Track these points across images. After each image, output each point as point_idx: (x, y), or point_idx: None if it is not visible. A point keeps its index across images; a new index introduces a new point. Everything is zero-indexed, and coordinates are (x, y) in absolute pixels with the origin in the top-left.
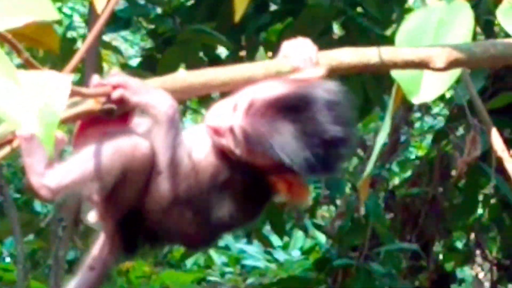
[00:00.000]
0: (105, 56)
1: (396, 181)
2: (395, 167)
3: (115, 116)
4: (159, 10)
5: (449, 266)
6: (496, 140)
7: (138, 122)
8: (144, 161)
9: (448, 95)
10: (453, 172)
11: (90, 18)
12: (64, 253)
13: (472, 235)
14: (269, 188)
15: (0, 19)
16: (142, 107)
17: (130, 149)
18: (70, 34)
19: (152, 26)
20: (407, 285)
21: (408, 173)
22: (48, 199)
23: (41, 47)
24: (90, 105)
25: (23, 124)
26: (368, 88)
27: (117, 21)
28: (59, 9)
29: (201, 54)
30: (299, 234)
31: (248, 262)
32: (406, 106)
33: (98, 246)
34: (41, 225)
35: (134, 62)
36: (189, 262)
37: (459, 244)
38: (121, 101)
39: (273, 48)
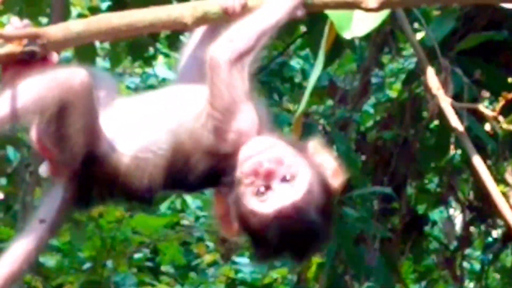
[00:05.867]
0: (76, 0)
1: (370, 123)
2: (370, 109)
3: (38, 58)
4: None
5: (422, 209)
6: (432, 78)
7: None
8: (83, 89)
9: (418, 37)
10: (425, 114)
11: None
12: (31, 199)
13: (445, 177)
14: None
15: None
16: None
17: (67, 77)
18: None
19: None
20: (380, 228)
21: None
22: None
23: None
24: (11, 47)
25: None
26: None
27: None
28: None
29: None
30: None
31: None
32: (376, 47)
33: (47, 198)
34: (8, 171)
35: (105, 5)
36: (163, 207)
37: (432, 186)
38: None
39: None
